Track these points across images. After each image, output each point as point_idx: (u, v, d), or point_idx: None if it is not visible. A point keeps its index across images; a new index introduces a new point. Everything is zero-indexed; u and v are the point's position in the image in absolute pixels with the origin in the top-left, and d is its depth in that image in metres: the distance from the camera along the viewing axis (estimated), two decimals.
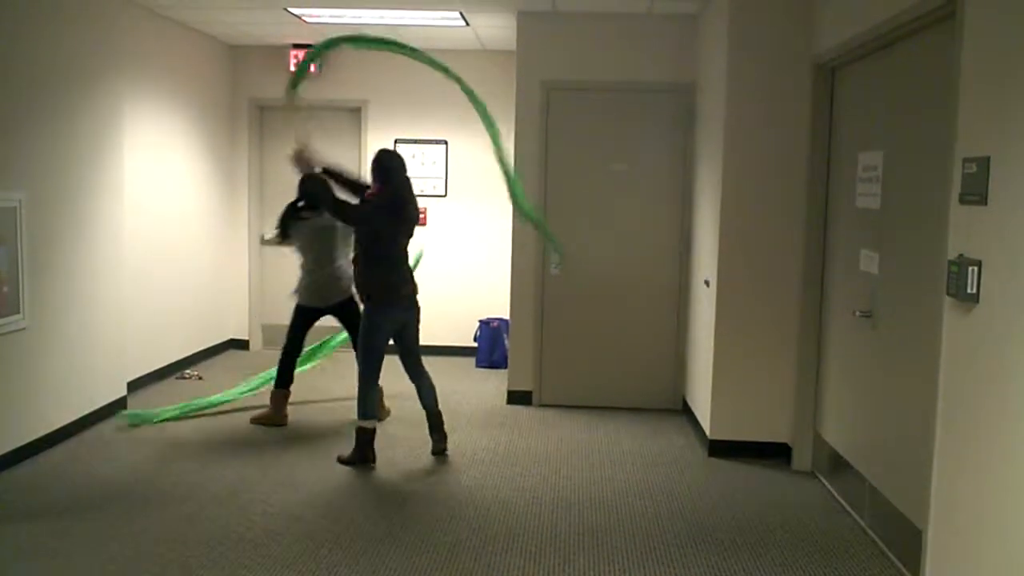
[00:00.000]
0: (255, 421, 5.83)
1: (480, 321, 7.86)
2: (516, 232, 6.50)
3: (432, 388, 5.31)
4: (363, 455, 5.05)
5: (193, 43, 7.44)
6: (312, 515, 4.34)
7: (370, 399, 5.08)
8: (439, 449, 5.27)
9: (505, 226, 6.66)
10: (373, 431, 5.09)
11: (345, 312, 5.78)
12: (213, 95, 7.83)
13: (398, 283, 5.08)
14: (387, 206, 5.00)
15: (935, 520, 3.29)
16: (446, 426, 5.37)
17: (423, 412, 5.28)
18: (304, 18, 6.75)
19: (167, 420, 5.79)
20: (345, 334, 6.04)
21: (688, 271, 6.39)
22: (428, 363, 5.32)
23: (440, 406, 5.34)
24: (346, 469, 4.98)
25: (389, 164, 5.08)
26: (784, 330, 5.22)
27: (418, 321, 5.25)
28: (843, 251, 4.72)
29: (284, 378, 5.87)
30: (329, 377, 6.94)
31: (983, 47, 3.03)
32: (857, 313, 4.31)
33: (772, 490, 4.83)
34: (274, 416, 5.83)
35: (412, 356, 5.28)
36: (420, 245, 6.44)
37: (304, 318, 5.84)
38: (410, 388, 5.30)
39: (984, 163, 2.94)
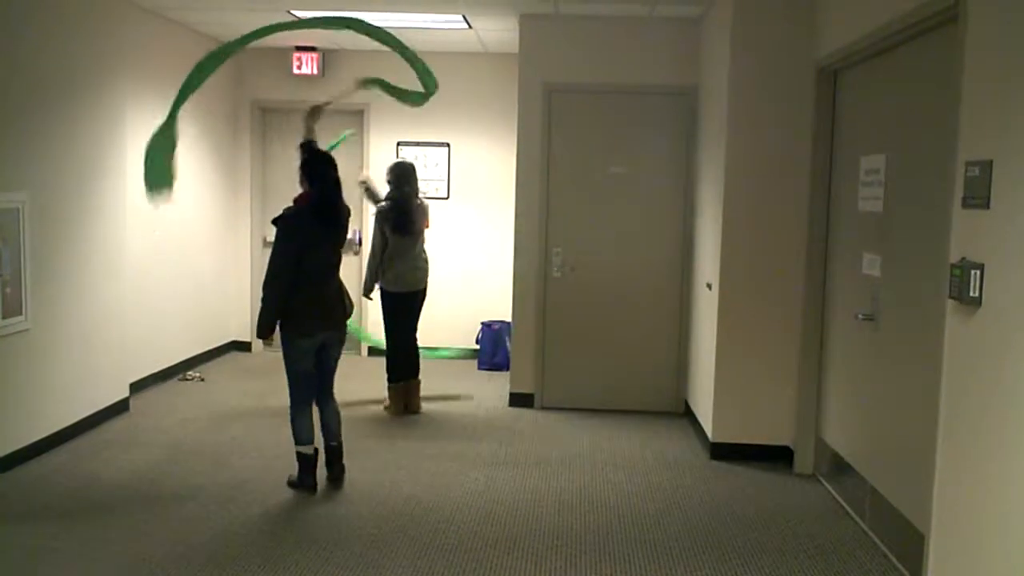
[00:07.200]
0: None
1: (482, 323, 7.86)
2: (518, 234, 6.50)
3: (337, 416, 4.81)
4: (301, 480, 4.68)
5: (195, 44, 7.42)
6: (313, 517, 4.34)
7: (299, 425, 4.67)
8: (335, 481, 4.78)
9: (507, 229, 6.66)
10: (309, 456, 4.68)
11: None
12: (215, 97, 7.82)
13: (319, 307, 4.61)
14: (310, 212, 4.60)
15: (937, 524, 3.29)
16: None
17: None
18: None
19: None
20: None
21: (690, 274, 6.38)
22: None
23: (343, 438, 4.87)
24: (347, 469, 4.96)
25: (310, 160, 4.73)
26: (786, 333, 5.22)
27: (341, 343, 4.81)
28: (845, 254, 4.72)
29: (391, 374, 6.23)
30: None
31: (986, 50, 3.03)
32: (859, 316, 4.31)
33: (774, 493, 4.83)
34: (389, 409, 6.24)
35: (324, 379, 4.78)
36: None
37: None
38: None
39: (987, 167, 2.94)
